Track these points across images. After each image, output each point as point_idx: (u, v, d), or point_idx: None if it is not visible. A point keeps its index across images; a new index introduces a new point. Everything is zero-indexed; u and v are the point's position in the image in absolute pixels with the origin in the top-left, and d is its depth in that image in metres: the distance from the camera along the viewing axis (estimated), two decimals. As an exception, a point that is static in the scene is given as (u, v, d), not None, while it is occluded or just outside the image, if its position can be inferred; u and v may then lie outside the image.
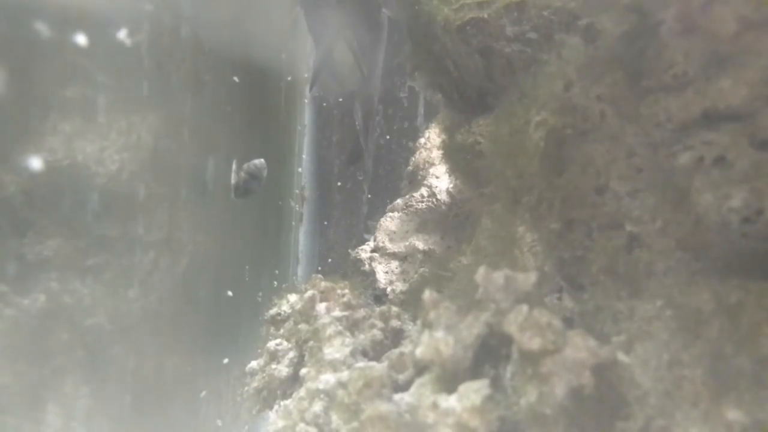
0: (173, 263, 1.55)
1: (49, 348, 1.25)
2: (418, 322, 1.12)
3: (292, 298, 1.56)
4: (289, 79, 2.62)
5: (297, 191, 3.23)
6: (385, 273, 2.27)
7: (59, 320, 1.27)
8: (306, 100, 3.51)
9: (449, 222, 2.27)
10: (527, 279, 0.97)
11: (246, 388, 1.54)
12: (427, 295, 1.03)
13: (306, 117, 3.49)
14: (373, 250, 2.48)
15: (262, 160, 1.59)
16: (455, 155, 1.77)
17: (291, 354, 1.49)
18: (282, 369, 1.48)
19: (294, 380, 1.46)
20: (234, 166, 1.60)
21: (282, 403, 1.43)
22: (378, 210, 2.65)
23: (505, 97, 1.31)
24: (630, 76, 1.03)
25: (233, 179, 1.59)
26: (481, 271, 0.99)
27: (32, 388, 1.19)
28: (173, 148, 1.50)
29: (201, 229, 1.64)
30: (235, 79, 1.75)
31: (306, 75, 3.43)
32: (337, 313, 1.34)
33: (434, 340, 0.96)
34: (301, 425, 1.20)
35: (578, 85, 1.09)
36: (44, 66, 1.20)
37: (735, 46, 0.86)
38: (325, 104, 3.56)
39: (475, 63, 1.60)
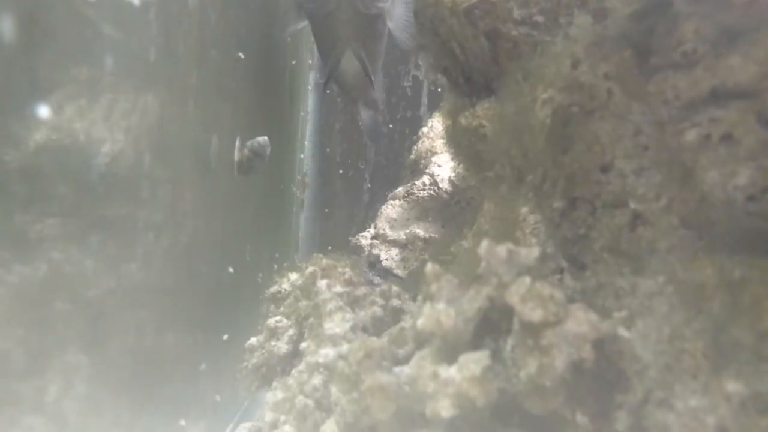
0: (175, 238, 1.55)
1: (50, 317, 1.25)
2: (420, 296, 1.12)
3: (293, 276, 1.57)
4: (293, 62, 2.61)
5: (299, 177, 3.23)
6: (385, 260, 2.27)
7: (60, 290, 1.27)
8: (309, 87, 3.51)
9: (451, 210, 2.27)
10: (530, 253, 0.97)
11: (245, 365, 1.54)
12: (430, 267, 1.03)
13: (309, 104, 3.49)
14: (373, 237, 2.48)
15: (266, 137, 1.59)
16: (459, 139, 1.76)
17: (291, 331, 1.49)
18: (281, 346, 1.48)
19: (293, 357, 1.46)
20: (237, 143, 1.60)
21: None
22: (379, 199, 2.64)
23: (511, 77, 1.31)
24: (638, 54, 1.03)
25: (236, 156, 1.60)
26: (484, 244, 0.99)
27: (33, 355, 1.19)
28: (178, 121, 1.50)
29: (203, 206, 1.64)
30: (241, 55, 1.74)
31: (310, 61, 3.42)
32: (338, 288, 1.34)
33: (435, 312, 0.96)
34: (300, 397, 1.21)
35: (586, 63, 1.08)
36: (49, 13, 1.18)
37: (747, 17, 0.85)
38: (328, 92, 3.56)
39: (481, 46, 1.60)
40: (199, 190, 1.61)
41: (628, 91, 1.03)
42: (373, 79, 2.42)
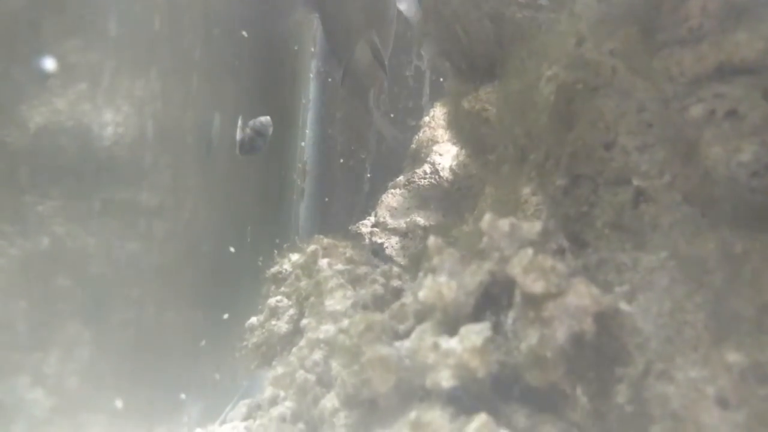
0: (176, 217, 1.55)
1: (52, 292, 1.25)
2: (421, 271, 1.12)
3: (294, 256, 1.57)
4: (296, 48, 2.61)
5: (299, 165, 3.22)
6: (386, 248, 2.27)
7: (62, 265, 1.28)
8: (311, 75, 3.50)
9: (451, 198, 2.27)
10: (532, 227, 0.97)
11: (245, 344, 1.54)
12: (432, 240, 1.03)
13: (311, 92, 3.48)
14: (373, 225, 2.48)
15: (268, 117, 1.59)
16: (461, 123, 1.77)
17: (291, 311, 1.50)
18: (282, 325, 1.48)
19: (294, 336, 1.47)
20: (240, 123, 1.60)
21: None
22: (380, 189, 2.64)
23: (516, 55, 1.31)
24: (644, 30, 1.02)
25: (239, 135, 1.60)
26: (487, 218, 0.99)
27: (34, 328, 1.20)
28: (181, 98, 1.50)
29: (205, 185, 1.64)
30: (244, 33, 1.74)
31: (312, 49, 3.42)
32: (339, 267, 1.34)
33: (437, 284, 0.96)
34: (301, 372, 1.21)
35: (591, 40, 1.08)
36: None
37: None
38: (330, 80, 3.55)
39: (485, 29, 1.60)
40: (201, 170, 1.61)
41: (633, 67, 1.03)
42: (386, 68, 2.43)
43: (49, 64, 1.21)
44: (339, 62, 2.44)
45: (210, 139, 1.61)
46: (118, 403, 1.29)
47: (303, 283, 1.46)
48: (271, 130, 1.59)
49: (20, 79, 1.20)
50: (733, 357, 0.77)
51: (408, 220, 2.53)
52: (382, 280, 1.30)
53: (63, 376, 1.20)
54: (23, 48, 1.18)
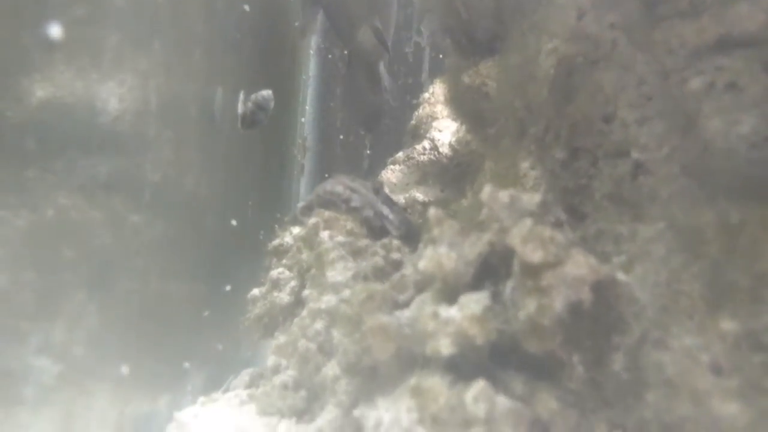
0: (179, 190, 1.56)
1: (57, 263, 1.27)
2: (422, 242, 1.13)
3: (296, 229, 1.58)
4: (296, 24, 2.59)
5: (299, 141, 3.23)
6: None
7: (66, 237, 1.29)
8: (311, 51, 3.49)
9: (451, 174, 2.28)
10: (532, 198, 0.98)
11: (248, 315, 1.56)
12: (432, 212, 1.05)
13: (311, 68, 3.47)
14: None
15: (270, 91, 1.59)
16: (461, 97, 1.77)
17: (293, 283, 1.51)
18: (284, 297, 1.50)
19: (295, 307, 1.48)
20: (241, 97, 1.61)
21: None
22: (379, 164, 2.65)
23: (516, 29, 1.31)
24: (644, 3, 1.03)
25: (240, 109, 1.60)
26: (487, 189, 1.00)
27: (40, 298, 1.21)
28: (183, 71, 1.50)
29: (208, 158, 1.65)
30: (246, 7, 1.73)
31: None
32: (340, 239, 1.35)
33: (437, 254, 0.97)
34: (302, 341, 1.23)
35: (591, 13, 1.09)
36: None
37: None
38: (330, 56, 3.54)
39: (486, 3, 1.59)
40: (203, 143, 1.62)
41: (633, 40, 1.04)
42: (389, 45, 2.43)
43: (55, 33, 1.21)
44: (345, 45, 2.45)
45: (213, 112, 1.61)
46: (124, 371, 1.31)
47: (304, 256, 1.47)
48: (272, 104, 1.59)
49: (26, 50, 1.20)
50: (728, 325, 0.79)
51: (407, 195, 2.54)
52: (382, 252, 1.32)
53: (69, 345, 1.21)
54: (29, 18, 1.18)
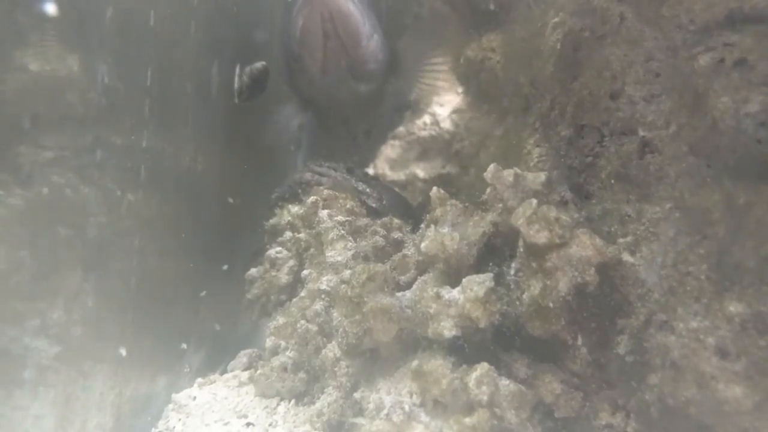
0: (176, 167, 1.53)
1: (53, 241, 1.25)
2: (424, 222, 1.12)
3: (294, 207, 1.56)
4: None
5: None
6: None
7: (62, 215, 1.27)
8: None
9: (452, 149, 2.25)
10: (537, 178, 0.96)
11: (246, 296, 1.55)
12: (435, 191, 1.03)
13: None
14: (372, 178, 2.46)
15: (264, 63, 1.55)
16: (464, 71, 1.74)
17: (291, 262, 1.49)
18: (282, 276, 1.48)
19: (293, 287, 1.47)
20: (237, 71, 1.57)
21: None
22: (379, 141, 2.60)
23: (522, 2, 1.28)
24: (654, -24, 1.00)
25: (236, 84, 1.56)
26: (491, 168, 0.98)
27: (37, 278, 1.19)
28: (179, 43, 1.47)
29: (204, 135, 1.61)
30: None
31: None
32: (339, 218, 1.33)
33: (440, 235, 0.96)
34: (302, 322, 1.22)
35: (599, -14, 1.05)
36: None
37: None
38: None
39: (489, -28, 1.55)
40: (199, 118, 1.58)
41: (641, 15, 1.01)
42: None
43: (50, 8, 1.17)
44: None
45: (209, 85, 1.58)
46: (122, 352, 1.30)
47: (303, 235, 1.45)
48: (267, 76, 1.55)
49: (20, 24, 1.17)
50: (735, 307, 0.78)
51: (407, 171, 2.51)
52: (382, 231, 1.29)
53: (67, 325, 1.20)
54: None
